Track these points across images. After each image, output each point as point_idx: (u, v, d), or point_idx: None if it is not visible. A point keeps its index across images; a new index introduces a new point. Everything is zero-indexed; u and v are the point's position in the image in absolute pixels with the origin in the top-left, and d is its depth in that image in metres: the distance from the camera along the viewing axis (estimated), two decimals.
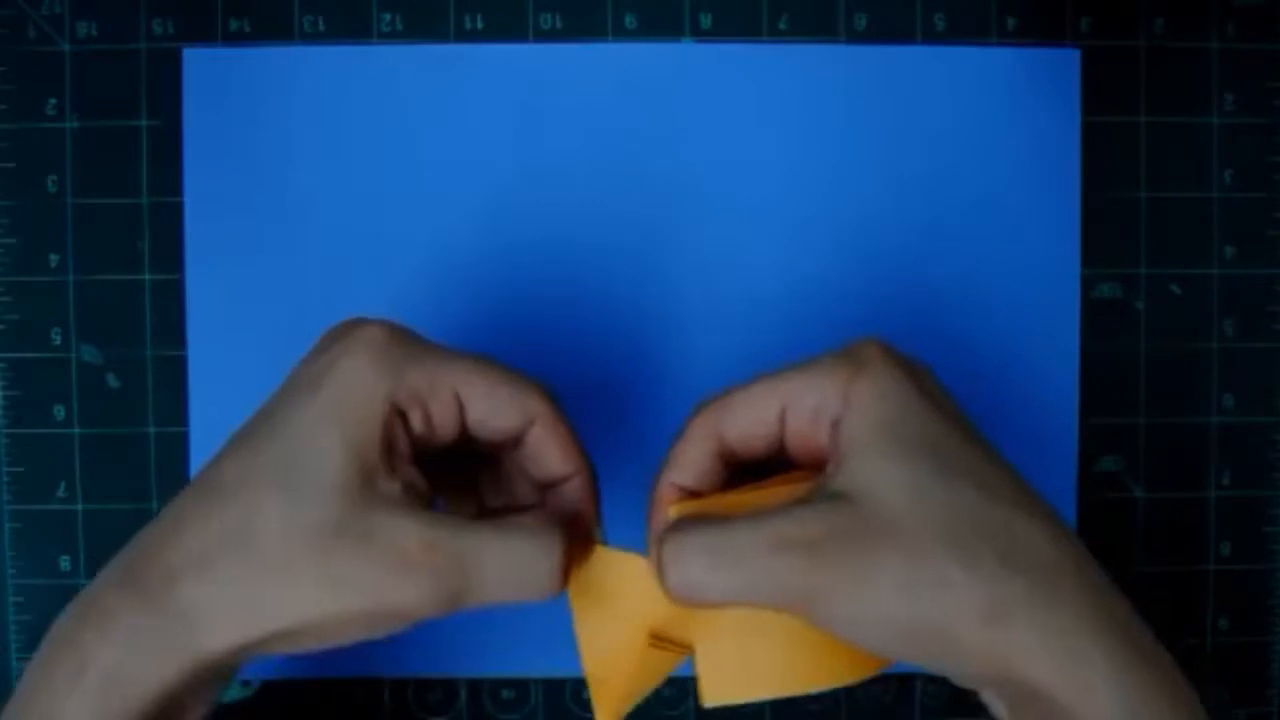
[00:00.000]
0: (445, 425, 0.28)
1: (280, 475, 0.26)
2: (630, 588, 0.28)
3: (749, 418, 0.28)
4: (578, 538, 0.29)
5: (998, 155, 0.39)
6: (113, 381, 0.39)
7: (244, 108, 0.39)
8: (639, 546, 0.29)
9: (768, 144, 0.39)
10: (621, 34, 0.39)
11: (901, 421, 0.26)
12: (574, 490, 0.29)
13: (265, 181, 0.39)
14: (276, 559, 0.25)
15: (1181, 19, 0.40)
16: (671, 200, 0.39)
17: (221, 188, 0.39)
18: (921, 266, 0.39)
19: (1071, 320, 0.39)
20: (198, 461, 0.39)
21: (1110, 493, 0.40)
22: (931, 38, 0.39)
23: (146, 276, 0.39)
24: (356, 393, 0.26)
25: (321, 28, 0.39)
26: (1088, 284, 0.40)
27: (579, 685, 0.39)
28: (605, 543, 0.29)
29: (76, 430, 0.39)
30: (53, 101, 0.39)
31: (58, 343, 0.39)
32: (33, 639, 0.39)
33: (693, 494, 0.29)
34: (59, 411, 0.39)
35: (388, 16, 0.39)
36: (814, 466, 0.28)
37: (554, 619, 0.39)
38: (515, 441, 0.29)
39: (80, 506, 0.39)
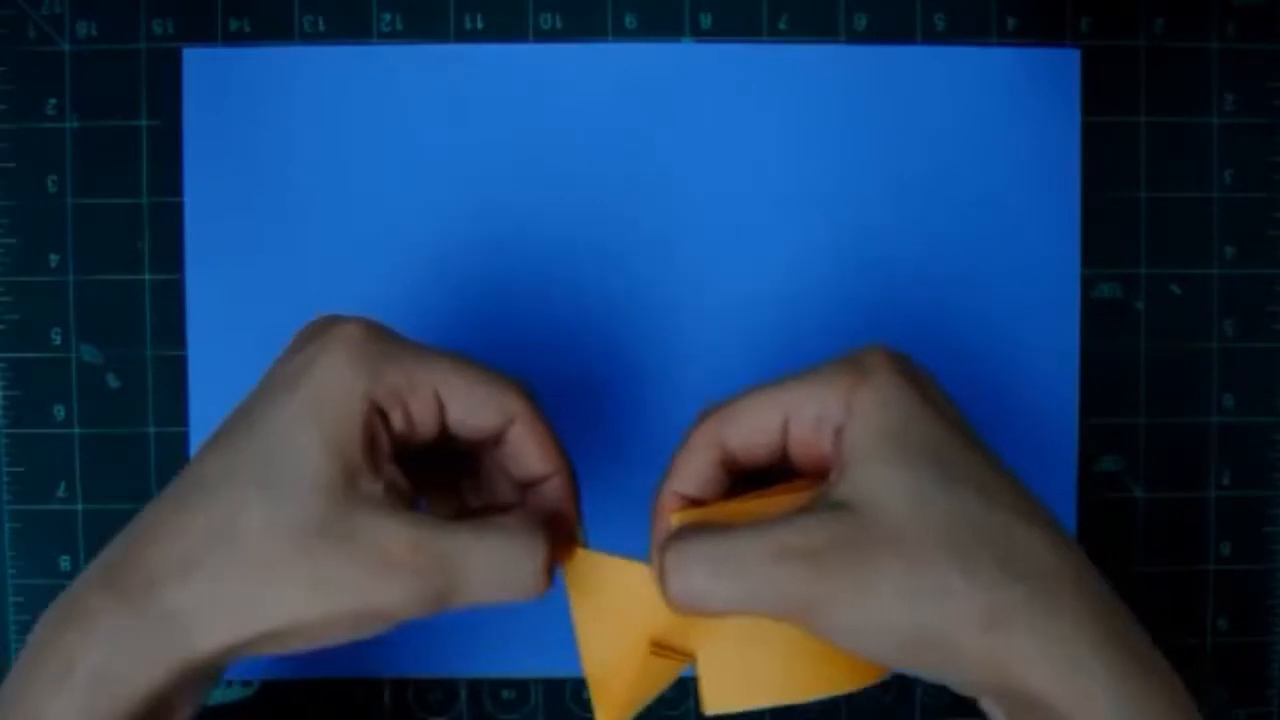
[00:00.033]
0: (425, 424, 0.28)
1: (261, 473, 0.26)
2: (632, 595, 0.28)
3: (752, 426, 0.28)
4: (560, 537, 0.29)
5: (998, 155, 0.39)
6: (113, 381, 0.39)
7: (244, 108, 0.39)
8: (621, 546, 0.29)
9: (768, 144, 0.39)
10: (621, 34, 0.39)
11: (904, 429, 0.26)
12: (554, 489, 0.29)
13: (265, 181, 0.39)
14: (260, 559, 0.25)
15: (1181, 19, 0.40)
16: (671, 200, 0.39)
17: (221, 188, 0.39)
18: (921, 266, 0.39)
19: (1071, 320, 0.39)
20: None
21: (1110, 493, 0.40)
22: (931, 38, 0.39)
23: (146, 276, 0.39)
24: (335, 391, 0.26)
25: (321, 28, 0.39)
26: (1088, 284, 0.40)
27: (579, 685, 0.39)
28: (586, 543, 0.29)
29: (76, 430, 0.39)
30: (53, 101, 0.39)
31: (58, 343, 0.39)
32: None
33: (695, 502, 0.29)
34: (59, 411, 0.39)
35: (388, 16, 0.39)
36: (816, 474, 0.28)
37: (553, 620, 0.39)
38: (495, 441, 0.29)
39: (80, 506, 0.39)
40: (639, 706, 0.28)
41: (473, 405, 0.28)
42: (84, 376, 0.39)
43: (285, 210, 0.39)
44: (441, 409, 0.28)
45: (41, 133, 0.39)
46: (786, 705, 0.27)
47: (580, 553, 0.28)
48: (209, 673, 0.27)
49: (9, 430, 0.39)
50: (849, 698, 0.39)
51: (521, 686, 0.39)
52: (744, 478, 0.29)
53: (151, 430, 0.39)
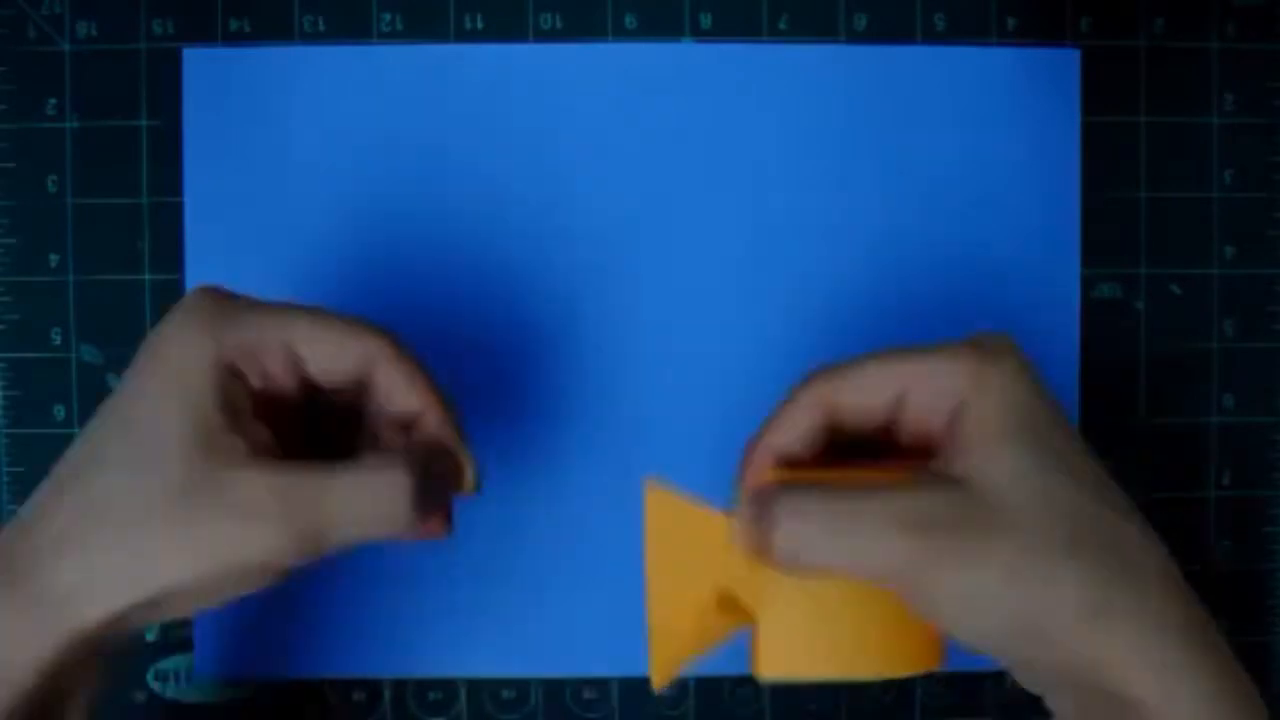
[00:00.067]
0: (283, 377, 0.28)
1: (122, 448, 0.27)
2: (705, 545, 0.28)
3: (869, 390, 0.28)
4: (446, 470, 0.29)
5: (998, 155, 0.39)
6: (113, 381, 0.39)
7: (244, 108, 0.39)
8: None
9: (768, 144, 0.39)
10: (621, 34, 0.39)
11: (1030, 415, 0.26)
12: (431, 424, 0.29)
13: (265, 181, 0.39)
14: (129, 527, 0.26)
15: (1181, 19, 0.40)
16: (671, 199, 0.39)
17: (221, 188, 0.39)
18: (921, 266, 0.39)
19: (1071, 320, 0.39)
20: None
21: None
22: (931, 38, 0.39)
23: (146, 276, 0.39)
24: (185, 357, 0.27)
25: (321, 28, 0.39)
26: (1088, 284, 0.40)
27: (579, 685, 0.39)
28: (480, 477, 0.30)
29: (76, 430, 0.39)
30: (53, 101, 0.39)
31: (58, 343, 0.39)
32: None
33: (790, 464, 0.28)
34: (59, 411, 0.39)
35: (388, 16, 0.39)
36: (916, 453, 0.28)
37: (553, 620, 0.39)
38: (365, 387, 0.29)
39: None
40: (691, 658, 0.28)
41: (328, 353, 0.28)
42: (84, 376, 0.39)
43: (285, 210, 0.39)
44: (299, 362, 0.28)
45: (41, 133, 0.39)
46: (838, 681, 0.27)
47: (659, 494, 0.28)
48: (100, 648, 0.27)
49: (9, 430, 0.39)
50: (849, 698, 0.39)
51: (521, 686, 0.39)
52: (833, 451, 0.29)
53: None
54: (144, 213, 0.39)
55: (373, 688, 0.39)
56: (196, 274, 0.39)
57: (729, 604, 0.28)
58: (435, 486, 0.28)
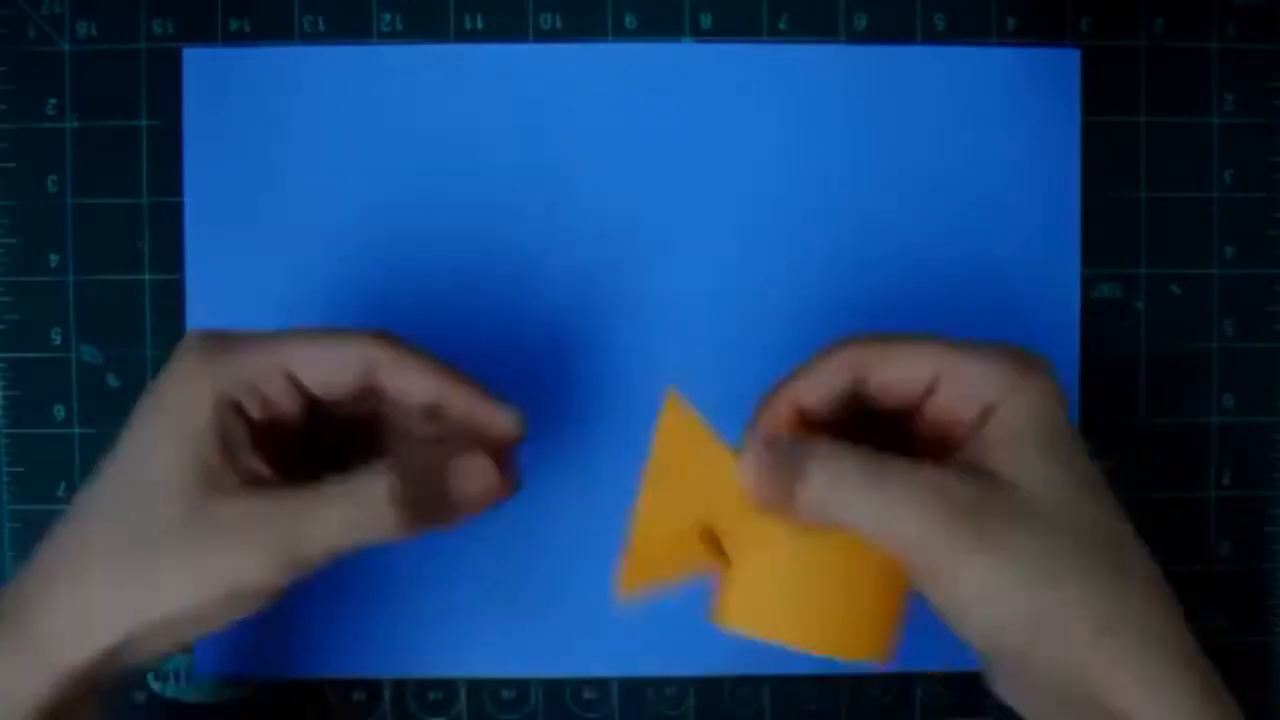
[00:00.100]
0: (285, 402, 0.28)
1: (123, 493, 0.27)
2: (706, 475, 0.28)
3: (904, 366, 0.28)
4: (489, 446, 0.29)
5: (998, 155, 0.39)
6: (113, 381, 0.39)
7: (244, 108, 0.39)
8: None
9: (768, 144, 0.39)
10: (621, 34, 0.39)
11: (1060, 428, 0.27)
12: (456, 401, 0.29)
13: (265, 181, 0.39)
14: (125, 558, 0.27)
15: (1181, 19, 0.40)
16: (671, 200, 0.39)
17: (221, 188, 0.39)
18: (921, 266, 0.39)
19: (1071, 320, 0.39)
20: None
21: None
22: (931, 38, 0.39)
23: (146, 276, 0.39)
24: (183, 405, 0.28)
25: (321, 28, 0.39)
26: (1088, 284, 0.40)
27: (579, 685, 0.39)
28: (521, 434, 0.30)
29: (76, 430, 0.39)
30: (53, 101, 0.39)
31: (58, 343, 0.39)
32: None
33: (806, 425, 0.29)
34: (59, 411, 0.39)
35: (388, 16, 0.39)
36: (926, 443, 0.28)
37: (553, 620, 0.39)
38: (374, 392, 0.29)
39: None
40: (660, 582, 0.28)
41: (325, 368, 0.28)
42: (84, 376, 0.39)
43: (285, 210, 0.39)
44: (299, 384, 0.28)
45: (41, 133, 0.39)
46: (793, 649, 0.27)
47: (677, 406, 0.28)
48: (97, 683, 0.28)
49: (9, 430, 0.39)
50: (849, 698, 0.39)
51: (521, 686, 0.39)
52: (843, 428, 0.29)
53: None
54: (144, 213, 0.39)
55: (373, 688, 0.39)
56: (196, 274, 0.39)
57: (709, 541, 0.28)
58: (434, 485, 0.28)
